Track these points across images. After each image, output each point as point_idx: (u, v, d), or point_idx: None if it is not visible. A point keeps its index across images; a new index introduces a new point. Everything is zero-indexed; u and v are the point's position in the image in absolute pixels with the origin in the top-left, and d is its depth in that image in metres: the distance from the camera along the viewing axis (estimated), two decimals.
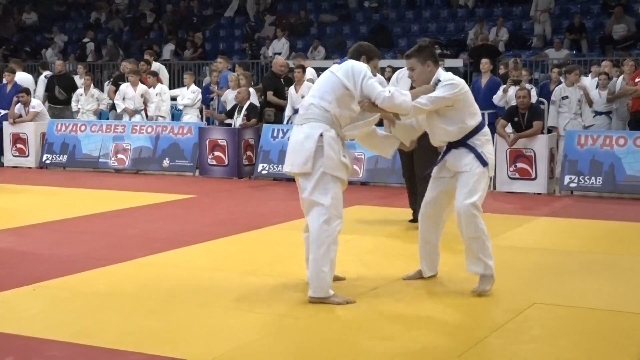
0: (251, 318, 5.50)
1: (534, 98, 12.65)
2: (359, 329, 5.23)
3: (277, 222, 9.24)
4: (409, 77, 6.45)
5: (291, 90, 13.81)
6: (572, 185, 11.65)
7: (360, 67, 5.92)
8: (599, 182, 11.48)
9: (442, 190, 6.21)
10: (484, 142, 6.02)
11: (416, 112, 5.95)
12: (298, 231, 8.70)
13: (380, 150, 6.67)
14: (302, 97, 13.47)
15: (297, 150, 5.90)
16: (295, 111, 13.18)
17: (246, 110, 13.69)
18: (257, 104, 14.39)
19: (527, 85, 12.82)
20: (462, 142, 6.00)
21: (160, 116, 15.28)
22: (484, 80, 13.34)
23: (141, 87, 15.34)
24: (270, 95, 13.78)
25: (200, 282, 6.47)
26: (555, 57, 18.49)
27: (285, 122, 13.78)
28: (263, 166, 13.48)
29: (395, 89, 5.92)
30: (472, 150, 5.95)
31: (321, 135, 5.81)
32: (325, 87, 5.91)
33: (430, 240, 6.39)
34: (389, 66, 15.67)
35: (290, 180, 13.25)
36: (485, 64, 13.32)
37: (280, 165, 13.26)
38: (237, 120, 13.72)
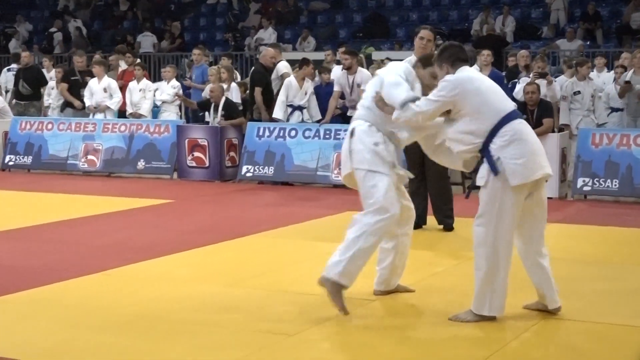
0: (235, 335, 5.50)
1: (558, 94, 12.68)
2: (351, 348, 5.23)
3: (263, 229, 9.25)
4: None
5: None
6: (585, 188, 11.68)
7: (392, 70, 6.16)
8: (615, 185, 11.51)
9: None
10: (502, 145, 5.57)
11: (407, 123, 5.90)
12: (286, 239, 8.76)
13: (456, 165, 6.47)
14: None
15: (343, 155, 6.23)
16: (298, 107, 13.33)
17: (223, 109, 13.67)
18: (239, 99, 14.37)
19: (550, 79, 12.84)
20: (483, 150, 5.68)
21: (142, 115, 15.20)
22: (485, 73, 13.34)
23: (105, 80, 15.27)
24: (258, 93, 13.68)
25: (178, 296, 6.47)
26: (568, 48, 18.55)
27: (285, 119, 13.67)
28: (247, 168, 13.48)
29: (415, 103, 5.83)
30: (487, 157, 5.63)
31: (352, 133, 6.00)
32: (370, 85, 6.21)
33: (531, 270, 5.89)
34: (387, 58, 15.68)
35: (277, 183, 13.31)
36: (486, 55, 13.36)
37: (266, 167, 13.29)
38: (215, 121, 13.70)
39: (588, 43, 19.84)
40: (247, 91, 14.23)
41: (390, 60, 15.38)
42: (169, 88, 15.55)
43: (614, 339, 5.43)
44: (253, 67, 13.85)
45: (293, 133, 13.28)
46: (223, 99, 13.70)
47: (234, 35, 23.79)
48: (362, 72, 13.12)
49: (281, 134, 13.34)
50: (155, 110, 16.17)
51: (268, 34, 22.11)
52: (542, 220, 5.78)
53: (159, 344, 5.31)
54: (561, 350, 5.24)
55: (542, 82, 12.73)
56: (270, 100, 13.70)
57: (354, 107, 13.13)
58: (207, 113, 14.12)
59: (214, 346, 5.28)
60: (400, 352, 5.15)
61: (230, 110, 13.71)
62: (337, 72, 13.52)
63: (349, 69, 12.93)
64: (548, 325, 5.64)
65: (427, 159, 8.33)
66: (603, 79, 14.13)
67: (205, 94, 14.39)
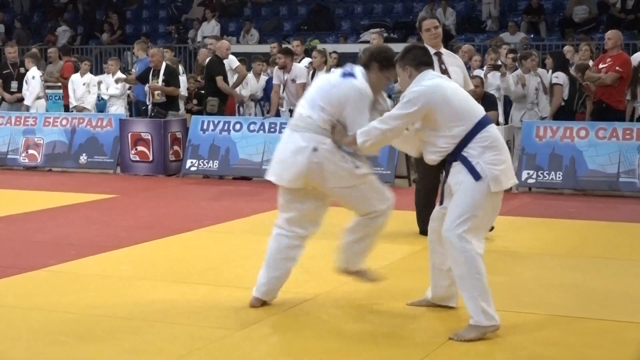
0: (180, 331, 5.47)
1: (512, 85, 12.75)
2: (301, 344, 5.22)
3: (208, 224, 9.21)
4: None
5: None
6: (530, 181, 11.80)
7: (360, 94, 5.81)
8: (559, 177, 11.64)
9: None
10: (481, 150, 5.42)
11: (374, 146, 5.66)
12: (231, 234, 8.73)
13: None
14: None
15: (285, 162, 5.90)
16: None
17: (164, 74, 13.55)
18: (185, 92, 14.37)
19: (503, 71, 12.92)
20: (457, 154, 5.48)
21: (85, 108, 15.10)
22: None
23: (32, 71, 15.12)
24: (221, 81, 13.59)
25: (122, 292, 6.41)
26: (511, 41, 18.70)
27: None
28: (192, 162, 13.41)
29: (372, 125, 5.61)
30: (465, 162, 5.42)
31: (315, 149, 5.75)
32: (320, 95, 5.88)
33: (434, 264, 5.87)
34: (334, 51, 15.69)
35: (222, 178, 13.26)
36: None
37: (211, 161, 13.23)
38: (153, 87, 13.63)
39: (532, 36, 20.03)
40: (197, 82, 14.27)
41: (337, 53, 15.43)
42: (113, 82, 15.44)
43: (587, 331, 5.49)
44: (209, 59, 13.77)
45: (238, 127, 13.24)
46: (164, 65, 13.65)
47: (177, 27, 23.64)
48: (297, 67, 13.14)
49: (226, 128, 13.30)
50: (101, 104, 16.02)
51: (211, 27, 21.99)
52: None
53: (100, 342, 5.26)
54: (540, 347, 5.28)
55: (495, 74, 12.84)
56: (225, 89, 13.77)
57: (290, 103, 13.23)
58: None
59: (158, 342, 5.24)
60: (342, 348, 5.15)
61: (170, 76, 13.63)
62: (303, 64, 13.63)
63: (284, 68, 12.96)
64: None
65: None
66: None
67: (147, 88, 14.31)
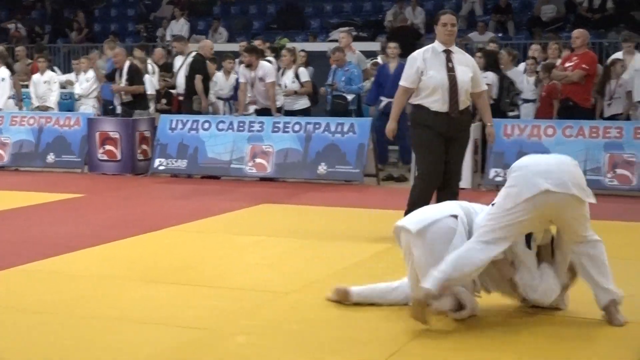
0: (151, 331, 5.47)
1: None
2: (271, 343, 5.25)
3: (176, 223, 9.21)
4: None
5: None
6: (497, 179, 11.87)
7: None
8: None
9: None
10: None
11: None
12: (201, 233, 8.74)
13: None
14: None
15: None
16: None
17: (127, 73, 13.62)
18: (153, 91, 14.40)
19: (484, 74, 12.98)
20: None
21: (49, 107, 15.05)
22: (393, 65, 13.49)
23: (48, 73, 15.19)
24: (199, 80, 13.72)
25: (91, 292, 6.40)
26: (480, 40, 18.81)
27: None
28: (160, 161, 13.40)
29: None
30: None
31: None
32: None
33: None
34: (302, 50, 15.73)
35: (191, 176, 13.25)
36: (392, 48, 13.50)
37: (179, 160, 13.22)
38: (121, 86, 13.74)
39: (500, 35, 20.15)
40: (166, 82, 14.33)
41: (306, 51, 15.45)
42: (84, 80, 15.40)
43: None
44: (193, 57, 13.83)
45: (207, 125, 13.24)
46: (127, 64, 13.69)
47: (145, 26, 23.55)
48: (264, 65, 13.17)
49: (194, 127, 13.30)
50: (66, 103, 15.97)
51: (180, 25, 21.95)
52: None
53: (74, 343, 5.25)
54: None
55: None
56: (208, 89, 13.96)
57: (254, 103, 13.28)
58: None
59: (133, 342, 5.24)
60: (313, 347, 5.18)
61: (133, 75, 13.67)
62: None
63: (250, 66, 13.00)
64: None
65: (452, 152, 7.84)
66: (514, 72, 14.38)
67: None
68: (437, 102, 7.72)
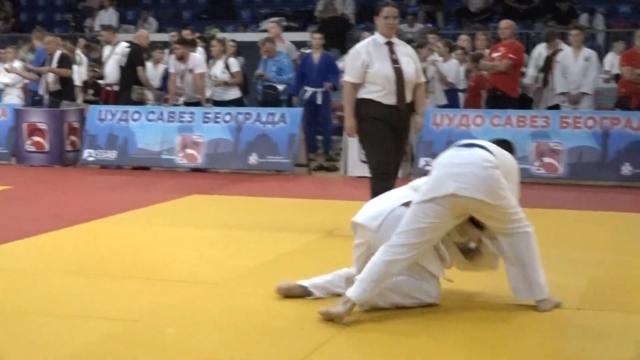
0: (80, 324, 5.41)
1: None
2: (196, 335, 5.23)
3: (106, 214, 9.11)
4: None
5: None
6: (428, 168, 11.94)
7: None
8: None
9: None
10: None
11: None
12: (130, 224, 8.67)
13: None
14: None
15: None
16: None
17: (58, 62, 13.56)
18: (79, 82, 14.31)
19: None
20: None
21: None
22: (317, 55, 13.53)
23: None
24: (142, 71, 13.68)
25: (19, 285, 6.30)
26: (409, 31, 18.91)
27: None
28: (89, 152, 13.25)
29: None
30: None
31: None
32: None
33: None
34: (232, 40, 15.65)
35: (121, 167, 13.13)
36: (317, 39, 13.53)
37: (109, 151, 13.09)
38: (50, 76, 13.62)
39: (429, 26, 20.27)
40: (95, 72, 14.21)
41: (236, 42, 15.38)
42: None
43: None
44: (131, 48, 13.68)
45: (136, 116, 13.13)
46: (58, 52, 13.61)
47: (74, 16, 23.24)
48: (194, 57, 13.13)
49: (124, 117, 13.18)
50: None
51: (109, 15, 21.70)
52: None
53: (2, 338, 5.17)
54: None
55: None
56: (145, 79, 13.90)
57: (180, 95, 13.22)
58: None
59: (62, 336, 5.17)
60: (237, 339, 5.17)
61: (64, 63, 13.59)
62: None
63: (181, 59, 12.94)
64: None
65: (400, 138, 7.71)
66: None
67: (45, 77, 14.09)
68: (386, 96, 7.55)
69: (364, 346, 5.03)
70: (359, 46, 7.80)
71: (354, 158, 12.08)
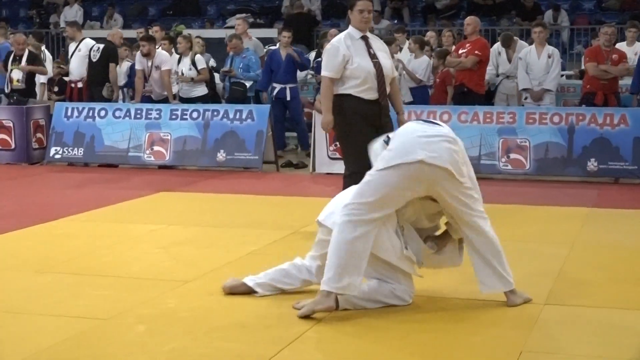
0: (47, 322, 5.37)
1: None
2: (165, 333, 5.20)
3: (73, 212, 9.06)
4: None
5: None
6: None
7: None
8: None
9: None
10: None
11: None
12: (98, 222, 8.61)
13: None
14: None
15: None
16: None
17: (27, 61, 13.51)
18: (44, 80, 14.23)
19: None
20: None
21: None
22: (284, 52, 13.51)
23: None
24: (114, 69, 13.71)
25: None
26: (376, 27, 18.92)
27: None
28: (56, 150, 13.15)
29: None
30: None
31: None
32: None
33: None
34: (197, 36, 15.59)
35: (88, 165, 13.04)
36: (287, 37, 13.52)
37: (75, 148, 13.00)
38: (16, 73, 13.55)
39: (395, 22, 20.33)
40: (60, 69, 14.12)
41: (202, 38, 15.33)
42: None
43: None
44: (105, 45, 13.61)
45: (103, 113, 13.05)
46: (26, 51, 13.56)
47: (38, 12, 23.06)
48: (161, 54, 13.10)
49: (90, 114, 13.09)
50: None
51: (74, 11, 21.55)
52: None
53: None
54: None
55: None
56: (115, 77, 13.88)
57: (150, 92, 13.17)
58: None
59: (24, 334, 5.14)
60: (206, 338, 5.15)
61: (34, 60, 13.54)
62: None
63: (148, 55, 12.91)
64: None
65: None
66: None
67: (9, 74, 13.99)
68: (367, 91, 7.42)
69: (335, 342, 5.03)
70: (336, 41, 7.60)
71: (323, 155, 12.08)
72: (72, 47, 14.54)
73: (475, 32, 12.85)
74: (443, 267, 5.84)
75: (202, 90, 13.53)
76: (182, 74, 13.43)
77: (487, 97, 13.28)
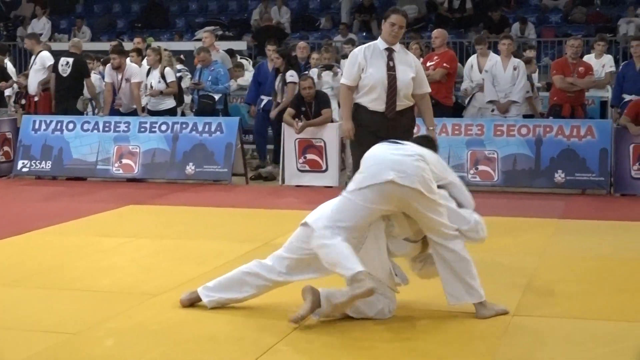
0: (16, 337, 5.33)
1: None
2: (139, 347, 5.18)
3: (41, 226, 8.99)
4: None
5: None
6: None
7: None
8: None
9: None
10: None
11: None
12: (66, 236, 8.56)
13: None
14: None
15: None
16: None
17: None
18: (10, 94, 14.19)
19: (336, 71, 13.10)
20: None
21: None
22: (271, 65, 13.52)
23: None
24: (90, 82, 13.68)
25: None
26: (341, 40, 18.98)
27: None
28: (23, 163, 13.06)
29: None
30: None
31: None
32: None
33: None
34: (165, 49, 15.56)
35: (56, 178, 12.96)
36: (272, 51, 13.52)
37: (43, 162, 12.92)
38: None
39: (364, 34, 20.40)
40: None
41: (169, 50, 15.30)
42: None
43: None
44: (75, 59, 13.51)
45: (71, 126, 12.98)
46: None
47: (5, 24, 22.93)
48: (131, 67, 13.07)
49: (58, 127, 13.01)
50: None
51: (42, 24, 21.44)
52: None
53: None
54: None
55: (328, 73, 13.04)
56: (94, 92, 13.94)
57: (120, 105, 13.14)
58: None
59: None
60: (180, 350, 5.14)
61: (4, 74, 13.54)
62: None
63: (118, 68, 12.88)
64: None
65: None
66: None
67: None
68: (374, 101, 7.59)
69: (305, 354, 5.04)
70: (358, 50, 7.87)
71: (292, 167, 12.09)
72: (32, 59, 14.45)
73: (443, 45, 12.92)
74: (434, 277, 5.86)
75: (170, 103, 13.48)
76: (152, 86, 13.39)
77: (455, 109, 13.33)
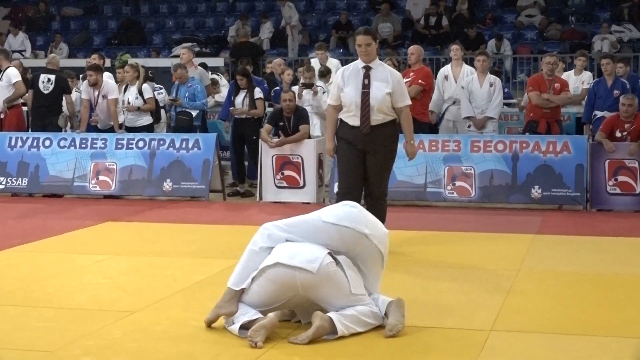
0: None
1: (323, 105, 12.89)
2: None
3: (17, 243, 8.93)
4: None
5: None
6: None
7: None
8: None
9: None
10: None
11: None
12: (42, 253, 8.50)
13: None
14: None
15: None
16: None
17: None
18: None
19: (316, 90, 13.14)
20: None
21: None
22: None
23: None
24: (70, 98, 13.56)
25: None
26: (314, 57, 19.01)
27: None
28: None
29: None
30: None
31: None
32: None
33: None
34: (142, 66, 15.53)
35: (32, 195, 12.87)
36: (244, 64, 13.53)
37: (20, 178, 12.84)
38: None
39: (341, 51, 20.45)
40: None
41: (145, 67, 15.27)
42: None
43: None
44: (57, 76, 13.42)
45: (47, 143, 12.90)
46: None
47: None
48: (108, 83, 13.04)
49: (35, 144, 12.93)
50: None
51: (19, 41, 21.36)
52: None
53: None
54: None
55: (308, 92, 13.07)
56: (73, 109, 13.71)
57: (96, 122, 13.09)
58: None
59: None
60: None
61: None
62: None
63: (95, 85, 12.84)
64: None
65: (370, 170, 8.04)
66: None
67: None
68: (351, 117, 8.00)
69: None
70: (340, 70, 8.39)
71: (269, 183, 12.07)
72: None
73: (419, 61, 12.94)
74: None
75: (147, 119, 13.43)
76: (129, 102, 13.34)
77: (432, 126, 13.35)
